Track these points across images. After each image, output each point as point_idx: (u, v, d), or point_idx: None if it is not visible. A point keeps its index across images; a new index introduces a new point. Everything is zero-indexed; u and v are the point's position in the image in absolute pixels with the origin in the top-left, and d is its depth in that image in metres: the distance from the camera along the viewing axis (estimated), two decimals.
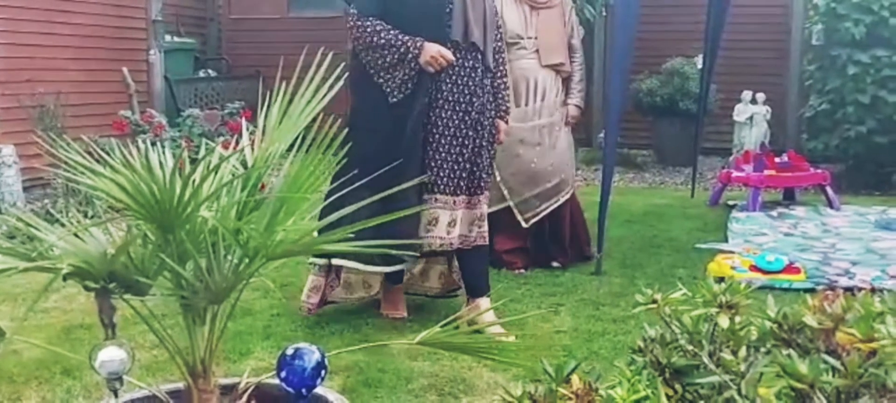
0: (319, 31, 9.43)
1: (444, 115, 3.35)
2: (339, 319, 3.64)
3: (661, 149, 8.96)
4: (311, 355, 1.73)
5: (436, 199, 3.38)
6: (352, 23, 3.36)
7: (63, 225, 1.90)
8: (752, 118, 8.43)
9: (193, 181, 1.66)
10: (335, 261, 3.50)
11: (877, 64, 7.30)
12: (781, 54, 9.26)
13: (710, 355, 1.39)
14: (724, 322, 1.41)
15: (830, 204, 6.36)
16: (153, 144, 1.88)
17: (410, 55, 3.28)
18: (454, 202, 3.42)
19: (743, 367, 1.32)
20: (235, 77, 10.10)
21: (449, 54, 3.29)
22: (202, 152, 1.78)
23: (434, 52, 3.27)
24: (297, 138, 1.82)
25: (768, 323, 1.42)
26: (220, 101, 8.90)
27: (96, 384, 2.76)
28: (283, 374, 1.75)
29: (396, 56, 3.29)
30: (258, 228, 1.67)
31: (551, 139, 4.48)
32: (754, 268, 4.30)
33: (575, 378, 1.45)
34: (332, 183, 3.43)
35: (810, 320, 1.39)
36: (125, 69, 7.67)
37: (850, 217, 6.04)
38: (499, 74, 3.56)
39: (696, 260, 4.63)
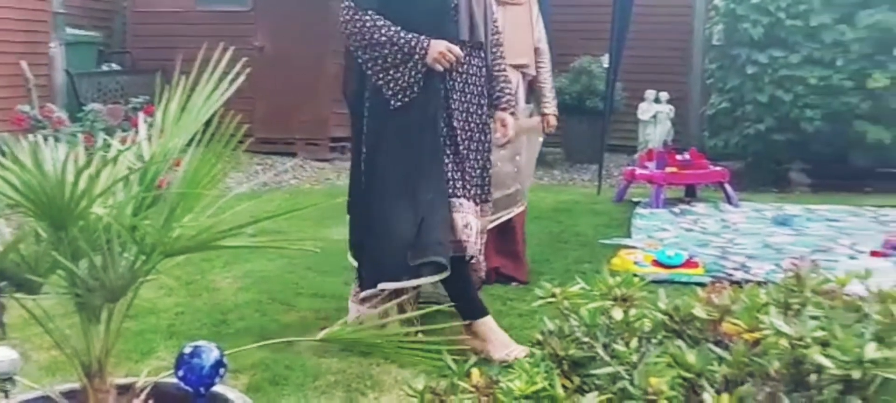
0: (227, 25, 9.30)
1: (458, 120, 3.09)
2: (246, 317, 3.59)
3: (570, 147, 9.11)
4: (210, 353, 1.71)
5: (461, 204, 3.09)
6: (347, 17, 3.03)
7: None
8: (656, 116, 8.67)
9: (88, 176, 1.62)
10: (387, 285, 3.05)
11: (774, 64, 7.59)
12: (684, 54, 9.52)
13: (605, 347, 1.43)
14: (618, 314, 1.46)
15: (729, 201, 6.59)
16: (57, 140, 1.82)
17: (417, 55, 2.96)
18: (479, 210, 3.19)
19: (635, 358, 1.36)
20: (140, 71, 9.83)
21: (458, 50, 3.01)
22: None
23: (442, 48, 2.97)
24: (196, 134, 1.79)
25: (660, 316, 1.47)
26: (124, 96, 8.65)
27: None
28: (180, 373, 1.72)
29: (400, 55, 2.97)
30: (155, 225, 1.64)
31: (516, 144, 3.94)
32: (656, 263, 4.42)
33: (476, 372, 1.47)
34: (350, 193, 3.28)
35: (699, 312, 1.45)
36: (24, 63, 7.39)
37: (747, 213, 6.27)
38: (498, 67, 3.29)
39: (602, 256, 4.73)
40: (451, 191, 3.07)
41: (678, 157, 6.90)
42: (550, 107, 4.22)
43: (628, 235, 5.41)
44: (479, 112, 3.17)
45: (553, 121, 4.24)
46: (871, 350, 1.27)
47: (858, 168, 7.73)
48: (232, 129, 1.73)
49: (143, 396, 1.79)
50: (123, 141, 1.88)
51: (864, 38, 7.35)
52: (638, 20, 7.44)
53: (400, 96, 3.01)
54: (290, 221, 5.33)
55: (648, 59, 9.13)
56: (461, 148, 3.10)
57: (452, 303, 3.21)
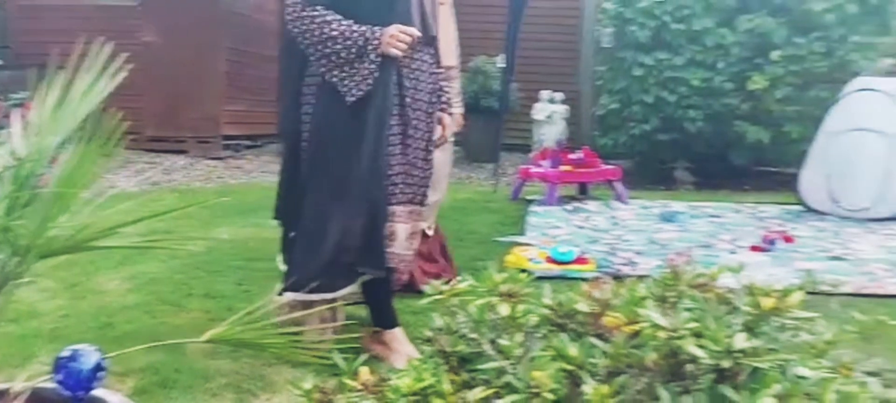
0: (114, 20, 9.01)
1: (410, 115, 2.98)
2: (134, 319, 3.49)
3: (467, 146, 9.21)
4: (89, 356, 1.66)
5: (393, 212, 3.00)
6: (295, 13, 2.89)
7: None
8: (550, 116, 8.84)
9: None
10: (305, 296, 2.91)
11: (660, 66, 7.86)
12: (575, 55, 9.75)
13: (491, 342, 1.45)
14: (504, 310, 1.49)
15: (619, 199, 6.79)
16: None
17: (370, 46, 2.83)
18: (414, 213, 3.08)
19: (519, 352, 1.39)
20: (22, 66, 9.41)
21: (413, 30, 2.88)
22: None
23: (393, 30, 2.84)
24: (76, 131, 1.72)
25: (545, 310, 1.51)
26: (3, 92, 8.27)
27: None
28: (59, 377, 1.66)
29: (354, 50, 2.84)
30: (29, 225, 1.57)
31: (443, 152, 3.86)
32: (549, 260, 4.52)
33: (364, 370, 1.48)
34: (280, 196, 3.16)
35: (582, 306, 1.49)
36: None
37: (636, 210, 6.47)
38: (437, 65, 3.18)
39: (497, 253, 4.79)
40: (389, 196, 2.98)
41: (571, 156, 7.06)
42: (458, 108, 4.18)
43: (523, 233, 5.51)
44: (429, 111, 3.07)
45: (461, 120, 4.23)
46: (741, 341, 1.33)
47: (739, 166, 8.09)
48: (113, 126, 1.68)
49: (20, 401, 1.72)
50: None
51: (744, 42, 7.70)
52: (530, 22, 7.58)
53: (354, 90, 2.86)
54: (179, 221, 5.21)
55: (541, 60, 9.31)
56: (409, 149, 3.00)
57: (362, 302, 3.16)
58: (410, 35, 2.87)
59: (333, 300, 2.95)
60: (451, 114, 3.29)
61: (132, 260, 4.31)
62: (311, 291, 2.90)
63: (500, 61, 8.12)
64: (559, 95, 8.99)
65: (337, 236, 2.93)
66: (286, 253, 3.20)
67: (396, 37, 2.84)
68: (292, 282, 2.97)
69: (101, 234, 1.61)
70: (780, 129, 7.69)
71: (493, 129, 8.08)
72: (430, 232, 4.05)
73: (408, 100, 2.96)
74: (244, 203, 6.30)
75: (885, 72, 7.55)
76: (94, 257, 4.07)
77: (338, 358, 1.53)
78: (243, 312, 1.72)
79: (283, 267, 3.20)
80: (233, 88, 9.89)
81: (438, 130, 3.18)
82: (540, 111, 9.00)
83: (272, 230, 5.23)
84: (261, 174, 8.60)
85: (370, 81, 2.85)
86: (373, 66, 2.84)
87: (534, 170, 6.91)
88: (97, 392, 1.69)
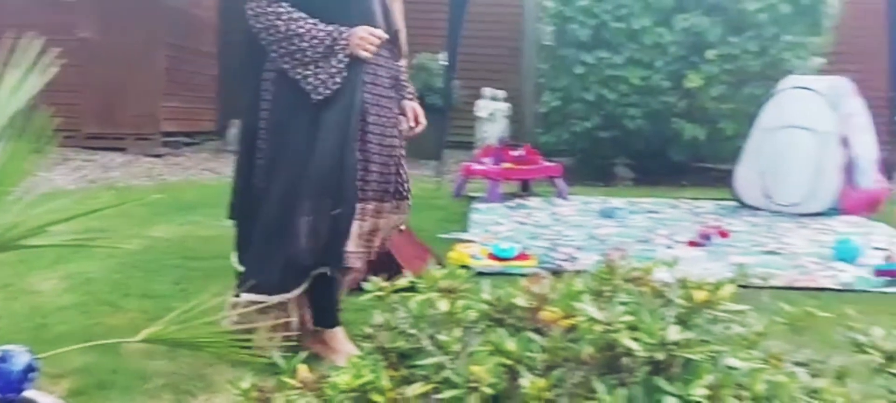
0: (50, 15, 8.79)
1: (369, 110, 2.93)
2: (69, 320, 3.41)
3: (410, 143, 9.19)
4: (20, 357, 1.62)
5: (364, 209, 2.96)
6: (259, 10, 2.83)
7: None
8: (493, 114, 8.89)
9: None
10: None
11: (600, 64, 7.96)
12: (517, 53, 9.82)
13: (431, 338, 1.46)
14: (443, 306, 1.50)
15: (560, 195, 6.86)
16: None
17: (338, 46, 2.80)
18: (377, 209, 3.04)
19: (458, 347, 1.40)
20: None
21: (379, 31, 2.85)
22: None
23: (363, 32, 2.81)
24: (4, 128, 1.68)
25: (484, 306, 1.52)
26: None
27: None
28: None
29: (320, 49, 2.80)
30: None
31: None
32: (491, 256, 4.55)
33: (302, 368, 1.47)
34: (235, 194, 3.06)
35: (520, 301, 1.51)
36: None
37: (577, 206, 6.55)
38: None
39: (441, 250, 4.81)
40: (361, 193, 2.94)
41: (513, 153, 7.11)
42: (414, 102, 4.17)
43: (466, 229, 5.53)
44: (390, 106, 3.03)
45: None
46: (674, 333, 1.36)
47: (676, 163, 8.24)
48: (44, 123, 1.65)
49: None
50: None
51: (680, 41, 7.84)
52: (473, 19, 7.61)
53: (320, 89, 2.82)
54: (116, 219, 5.12)
55: (484, 58, 9.36)
56: (368, 145, 2.95)
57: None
58: (378, 37, 2.85)
59: (287, 300, 2.90)
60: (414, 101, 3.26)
61: (67, 260, 4.22)
62: (271, 292, 2.85)
63: (443, 58, 8.13)
64: (501, 93, 9.04)
65: (301, 235, 2.87)
66: (241, 252, 3.11)
67: (366, 39, 2.82)
68: (254, 283, 2.88)
69: (32, 232, 1.58)
70: (716, 127, 7.86)
71: (436, 127, 8.06)
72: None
73: (367, 95, 2.93)
74: (183, 200, 6.21)
75: (817, 70, 7.77)
76: (27, 256, 3.97)
77: (277, 357, 1.52)
78: (179, 310, 1.70)
79: (238, 267, 3.11)
80: (172, 85, 9.75)
81: (404, 121, 3.15)
82: (482, 108, 9.05)
83: (211, 228, 5.18)
84: (200, 171, 8.48)
85: (338, 81, 2.81)
86: (341, 66, 2.81)
87: (476, 167, 6.95)
88: (28, 393, 1.65)
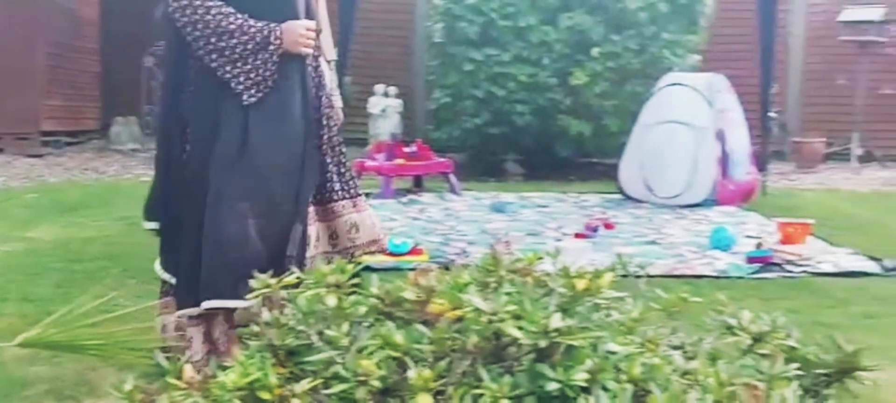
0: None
1: (328, 112, 2.88)
2: None
3: None
4: None
5: (323, 210, 2.89)
6: (184, 3, 2.64)
7: None
8: (385, 110, 8.90)
9: None
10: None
11: (488, 61, 8.07)
12: (409, 50, 9.86)
13: (319, 333, 1.47)
14: (332, 301, 1.51)
15: (453, 190, 6.93)
16: None
17: (272, 44, 2.66)
18: (335, 209, 2.96)
19: (346, 342, 1.42)
20: None
21: (313, 23, 2.74)
22: None
23: (301, 29, 2.69)
24: None
25: (372, 300, 1.54)
26: None
27: None
28: None
29: (251, 45, 2.65)
30: None
31: None
32: (385, 252, 4.56)
33: (188, 368, 1.46)
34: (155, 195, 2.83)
35: (408, 294, 1.53)
36: None
37: (469, 201, 6.63)
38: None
39: None
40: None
41: (406, 150, 7.14)
42: (338, 100, 4.05)
43: None
44: (317, 105, 2.89)
45: (341, 115, 4.14)
46: (556, 321, 1.41)
47: (564, 158, 8.45)
48: None
49: None
50: None
51: (565, 39, 8.03)
52: (364, 16, 7.61)
53: (253, 91, 2.67)
54: None
55: (375, 55, 9.35)
56: (323, 147, 2.89)
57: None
58: (314, 30, 2.75)
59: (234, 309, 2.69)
60: (332, 106, 3.15)
61: None
62: (225, 298, 2.64)
63: (334, 54, 8.09)
64: (393, 89, 9.06)
65: (249, 242, 2.68)
66: (167, 257, 2.88)
67: (305, 35, 2.71)
68: (202, 294, 2.65)
69: None
70: (600, 123, 8.09)
71: None
72: None
73: (322, 96, 2.88)
74: (65, 201, 5.99)
75: (693, 67, 8.10)
76: None
77: (161, 358, 1.50)
78: (58, 314, 1.65)
79: (163, 275, 2.87)
80: (53, 83, 9.40)
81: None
82: (374, 105, 9.05)
83: (94, 229, 5.01)
84: (82, 172, 8.19)
85: (270, 84, 2.68)
86: (274, 65, 2.68)
87: (369, 163, 6.95)
88: None
